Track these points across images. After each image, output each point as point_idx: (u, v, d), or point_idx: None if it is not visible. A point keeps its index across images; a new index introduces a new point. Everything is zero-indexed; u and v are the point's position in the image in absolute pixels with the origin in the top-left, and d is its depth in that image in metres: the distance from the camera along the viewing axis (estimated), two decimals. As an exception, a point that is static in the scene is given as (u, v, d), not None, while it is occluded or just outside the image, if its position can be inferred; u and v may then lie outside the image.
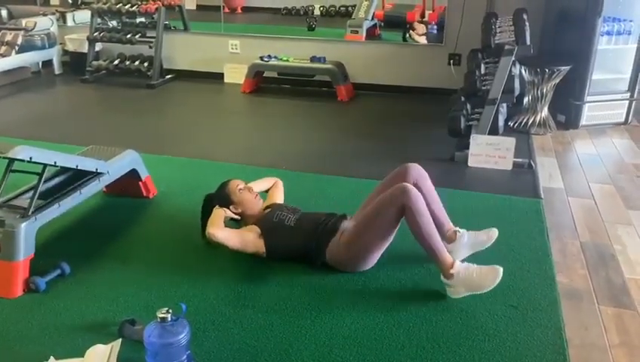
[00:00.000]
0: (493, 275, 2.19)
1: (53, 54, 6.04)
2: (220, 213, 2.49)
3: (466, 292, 2.22)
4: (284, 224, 2.46)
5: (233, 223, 2.60)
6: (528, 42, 3.70)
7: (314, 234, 2.41)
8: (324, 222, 2.45)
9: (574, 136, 4.31)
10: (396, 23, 5.80)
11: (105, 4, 5.76)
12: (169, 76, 5.90)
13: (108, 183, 2.81)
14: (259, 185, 2.80)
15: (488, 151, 3.60)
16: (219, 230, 2.37)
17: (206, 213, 2.56)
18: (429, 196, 2.47)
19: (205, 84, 5.83)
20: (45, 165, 2.34)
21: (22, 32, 5.63)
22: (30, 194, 2.38)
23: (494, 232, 2.50)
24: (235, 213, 2.57)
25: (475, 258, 2.52)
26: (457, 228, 2.51)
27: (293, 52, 5.52)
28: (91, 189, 2.65)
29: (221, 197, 2.59)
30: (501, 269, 2.20)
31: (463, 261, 2.30)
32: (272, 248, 2.44)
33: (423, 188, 2.43)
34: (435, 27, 5.50)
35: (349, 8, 6.01)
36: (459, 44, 5.15)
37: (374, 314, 2.15)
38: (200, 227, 2.57)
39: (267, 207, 2.66)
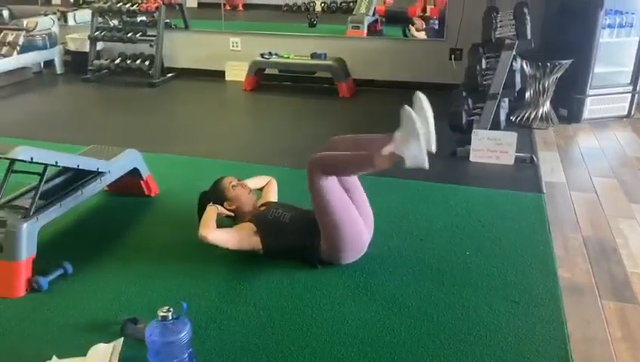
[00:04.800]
0: (417, 105, 2.15)
1: (55, 54, 6.06)
2: (212, 212, 2.48)
3: (418, 142, 2.09)
4: (280, 221, 2.45)
5: (229, 221, 2.61)
6: (529, 36, 3.68)
7: (307, 232, 2.41)
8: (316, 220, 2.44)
9: (576, 130, 4.30)
10: (397, 19, 5.79)
11: (105, 3, 5.77)
12: (170, 75, 5.90)
13: (109, 182, 2.82)
14: (252, 183, 2.80)
15: (490, 146, 3.59)
16: (210, 232, 2.35)
17: (201, 210, 2.57)
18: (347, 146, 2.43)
19: (206, 82, 5.83)
20: (46, 165, 2.35)
21: (23, 33, 5.65)
22: (32, 194, 2.39)
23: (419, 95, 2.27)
24: (229, 210, 2.58)
25: (477, 247, 2.52)
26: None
27: (294, 49, 5.51)
28: (93, 189, 2.66)
29: (215, 194, 2.60)
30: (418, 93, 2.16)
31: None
32: (269, 245, 2.44)
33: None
34: (437, 22, 5.49)
35: (350, 4, 6.00)
36: (460, 38, 5.14)
37: (375, 310, 2.15)
38: (197, 225, 2.57)
39: (262, 205, 2.66)
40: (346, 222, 2.34)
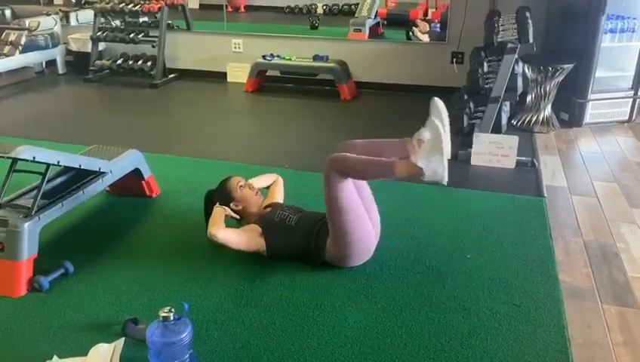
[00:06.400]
0: (435, 111, 2.14)
1: (57, 54, 6.06)
2: (220, 212, 2.49)
3: (442, 158, 2.08)
4: (285, 223, 2.46)
5: (234, 221, 2.61)
6: (531, 40, 3.69)
7: (313, 234, 2.41)
8: (322, 221, 2.44)
9: (578, 135, 4.30)
10: (399, 22, 5.80)
11: (108, 3, 5.77)
12: (172, 75, 5.91)
13: (111, 183, 2.82)
14: (259, 182, 2.80)
15: (491, 150, 3.59)
16: (220, 230, 2.37)
17: (208, 210, 2.57)
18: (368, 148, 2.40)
19: (208, 84, 5.83)
20: (49, 165, 2.35)
21: (25, 32, 5.65)
22: (33, 193, 2.39)
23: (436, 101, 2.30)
24: (236, 211, 2.58)
25: (478, 251, 2.52)
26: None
27: (296, 51, 5.52)
28: (94, 189, 2.66)
29: (222, 194, 2.60)
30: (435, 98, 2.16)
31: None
32: (272, 247, 2.44)
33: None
34: (438, 25, 5.50)
35: (352, 7, 6.01)
36: (462, 42, 5.14)
37: (377, 312, 2.15)
38: (204, 225, 2.57)
39: (268, 206, 2.66)
40: (356, 225, 2.32)
